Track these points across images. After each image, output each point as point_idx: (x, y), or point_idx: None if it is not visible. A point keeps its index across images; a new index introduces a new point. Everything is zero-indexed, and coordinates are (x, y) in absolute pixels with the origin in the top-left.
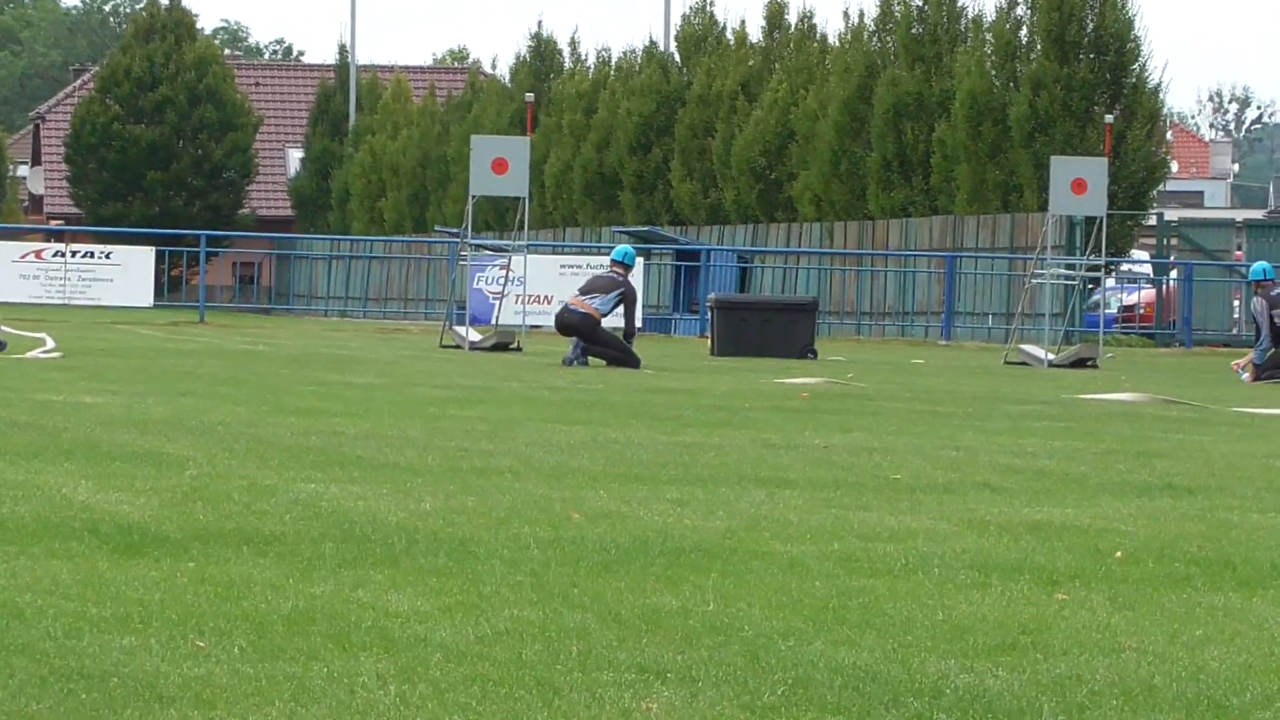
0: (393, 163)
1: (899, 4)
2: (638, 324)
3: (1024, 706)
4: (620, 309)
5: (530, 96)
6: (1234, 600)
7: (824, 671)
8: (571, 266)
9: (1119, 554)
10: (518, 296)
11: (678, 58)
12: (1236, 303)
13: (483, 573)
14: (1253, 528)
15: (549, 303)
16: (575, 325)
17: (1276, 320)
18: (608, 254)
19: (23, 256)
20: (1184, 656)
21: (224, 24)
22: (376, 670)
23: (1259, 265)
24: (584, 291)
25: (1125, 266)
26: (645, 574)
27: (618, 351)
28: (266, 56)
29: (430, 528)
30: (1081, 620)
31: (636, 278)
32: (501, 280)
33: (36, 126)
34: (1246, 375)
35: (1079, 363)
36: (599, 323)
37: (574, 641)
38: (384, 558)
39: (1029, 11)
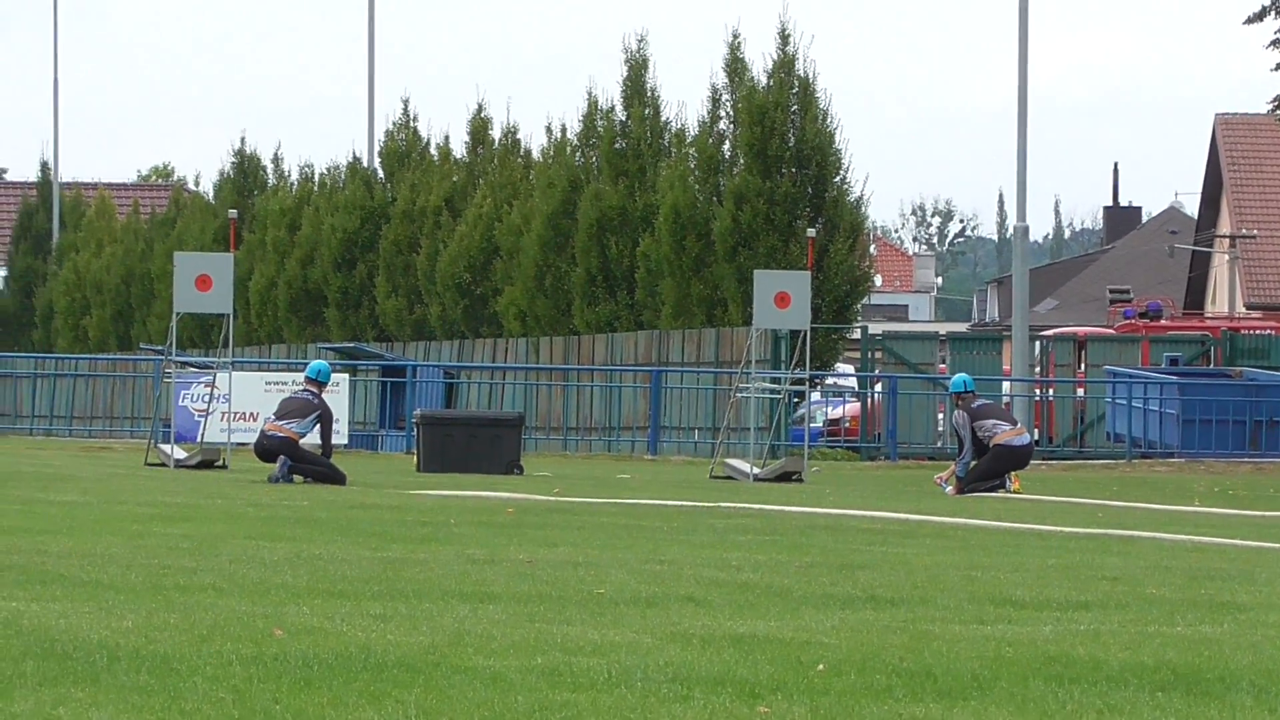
0: (97, 280)
1: (602, 119)
2: (339, 441)
3: None
4: (318, 428)
5: (233, 213)
6: (934, 710)
7: None
8: (277, 383)
9: (821, 666)
10: (223, 414)
11: (381, 173)
12: (941, 415)
13: (184, 689)
14: (954, 638)
15: (254, 420)
16: (275, 450)
17: (979, 432)
18: None
19: None
20: None
21: None
22: None
23: (959, 378)
24: (280, 415)
25: (830, 380)
26: (348, 690)
27: (323, 468)
28: None
29: (132, 645)
30: None
31: (341, 395)
32: (207, 397)
33: None
34: (950, 489)
35: (784, 476)
36: (297, 444)
37: None
38: (85, 675)
39: (731, 126)
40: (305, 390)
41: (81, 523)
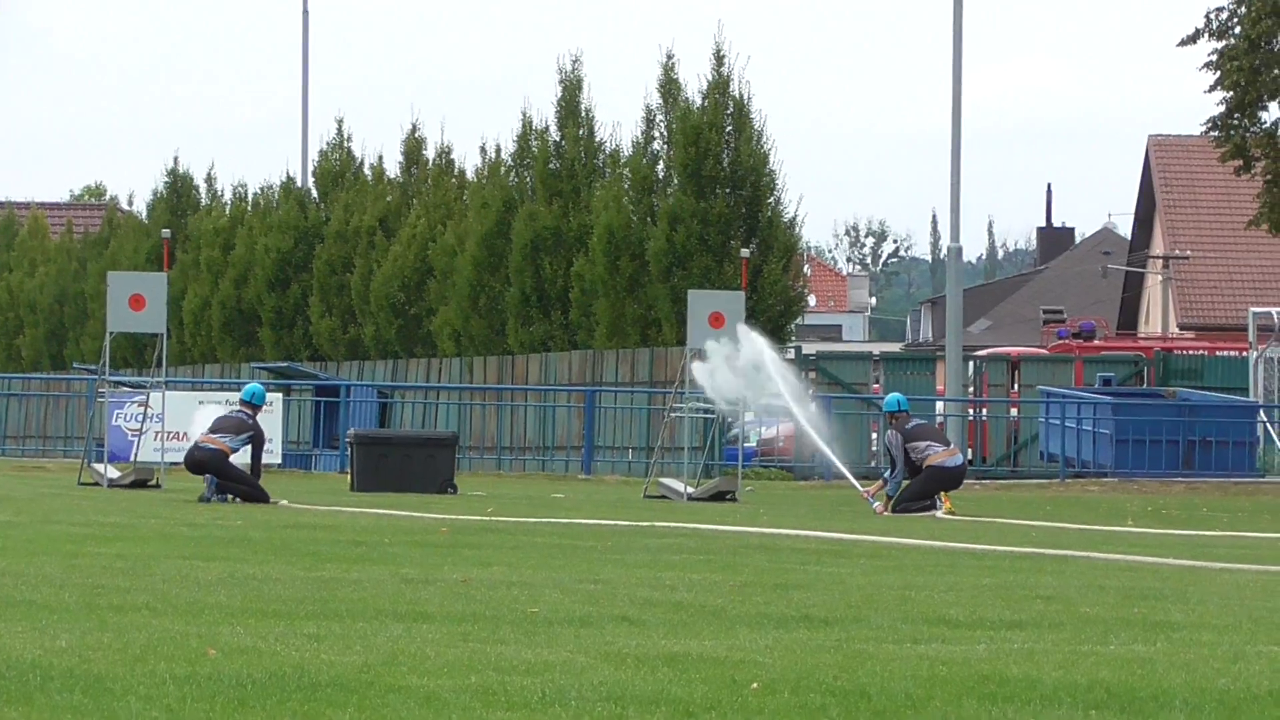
0: (30, 299)
1: (536, 139)
2: (272, 460)
3: None
4: (248, 448)
5: (167, 232)
6: None
7: None
8: (211, 403)
9: (755, 685)
10: (156, 433)
11: (315, 193)
12: (875, 435)
13: (118, 709)
14: (888, 658)
15: (187, 439)
16: (204, 461)
17: (912, 453)
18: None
19: None
20: None
21: None
22: None
23: (893, 397)
24: (214, 430)
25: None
26: (281, 709)
27: (248, 487)
28: None
29: (65, 664)
30: None
31: (275, 414)
32: (140, 417)
33: None
34: (879, 505)
35: (718, 496)
36: (228, 458)
37: None
38: (18, 695)
39: (666, 147)
40: (240, 411)
41: (15, 542)
